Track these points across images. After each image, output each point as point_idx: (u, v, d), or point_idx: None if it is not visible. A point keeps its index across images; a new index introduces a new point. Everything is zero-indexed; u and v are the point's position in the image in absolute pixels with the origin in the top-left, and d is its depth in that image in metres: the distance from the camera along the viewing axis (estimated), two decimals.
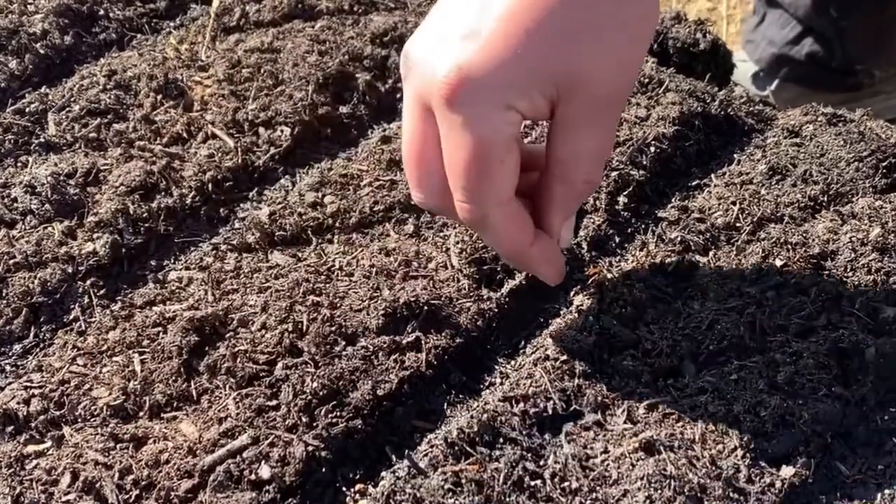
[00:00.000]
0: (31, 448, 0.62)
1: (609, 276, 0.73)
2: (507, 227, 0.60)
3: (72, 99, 0.89)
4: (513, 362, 0.68)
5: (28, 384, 0.65)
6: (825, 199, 0.79)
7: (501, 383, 0.66)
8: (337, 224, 0.77)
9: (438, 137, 0.57)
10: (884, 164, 0.81)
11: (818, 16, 1.43)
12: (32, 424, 0.63)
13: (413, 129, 0.59)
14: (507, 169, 0.57)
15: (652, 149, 0.84)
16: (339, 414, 0.61)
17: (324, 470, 0.59)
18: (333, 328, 0.66)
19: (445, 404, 0.65)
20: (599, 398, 0.62)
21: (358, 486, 0.60)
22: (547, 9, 0.54)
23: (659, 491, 0.55)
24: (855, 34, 1.45)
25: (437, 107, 0.56)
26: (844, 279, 0.70)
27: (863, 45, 1.47)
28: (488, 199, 0.57)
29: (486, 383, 0.67)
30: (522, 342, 0.70)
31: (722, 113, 0.91)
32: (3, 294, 0.71)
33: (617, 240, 0.78)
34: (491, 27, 0.54)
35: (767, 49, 1.50)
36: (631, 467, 0.57)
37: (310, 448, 0.59)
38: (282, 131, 0.86)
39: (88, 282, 0.73)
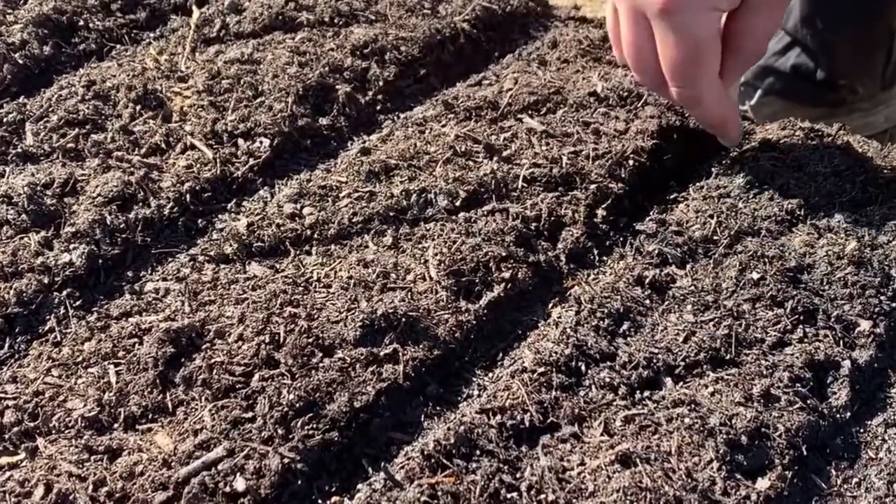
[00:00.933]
0: (4, 460, 0.61)
1: (587, 288, 0.73)
2: (719, 98, 0.78)
3: (50, 109, 0.88)
4: (490, 374, 0.68)
5: (2, 395, 0.65)
6: (802, 212, 0.79)
7: (479, 395, 0.66)
8: (315, 235, 0.76)
9: (652, 37, 0.75)
10: (860, 178, 0.82)
11: (805, 28, 1.44)
12: (6, 436, 0.62)
13: (631, 32, 0.76)
14: (715, 56, 0.75)
15: (630, 162, 0.84)
16: (315, 426, 0.61)
17: (300, 482, 0.59)
18: (310, 340, 0.66)
19: (422, 416, 0.65)
20: (576, 411, 0.62)
21: (334, 499, 0.59)
22: None
23: (635, 503, 0.56)
24: (841, 48, 1.46)
25: (655, 15, 0.73)
26: (820, 292, 0.71)
27: (848, 60, 1.48)
28: (702, 83, 0.76)
29: (464, 395, 0.67)
30: (500, 354, 0.70)
31: (700, 127, 0.91)
32: None
33: (595, 252, 0.78)
34: None
35: None
36: (607, 480, 0.57)
37: (286, 460, 0.59)
38: (261, 142, 0.86)
39: (64, 293, 0.72)
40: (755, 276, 0.71)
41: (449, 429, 0.60)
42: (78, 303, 0.72)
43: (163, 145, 0.85)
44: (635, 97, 0.92)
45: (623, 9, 0.76)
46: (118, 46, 1.01)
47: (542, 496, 0.57)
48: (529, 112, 0.90)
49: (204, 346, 0.67)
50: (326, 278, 0.72)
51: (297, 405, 0.62)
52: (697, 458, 0.58)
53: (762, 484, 0.58)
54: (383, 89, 0.96)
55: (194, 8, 1.05)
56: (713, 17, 0.73)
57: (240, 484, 0.58)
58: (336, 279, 0.72)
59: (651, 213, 0.82)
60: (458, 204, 0.79)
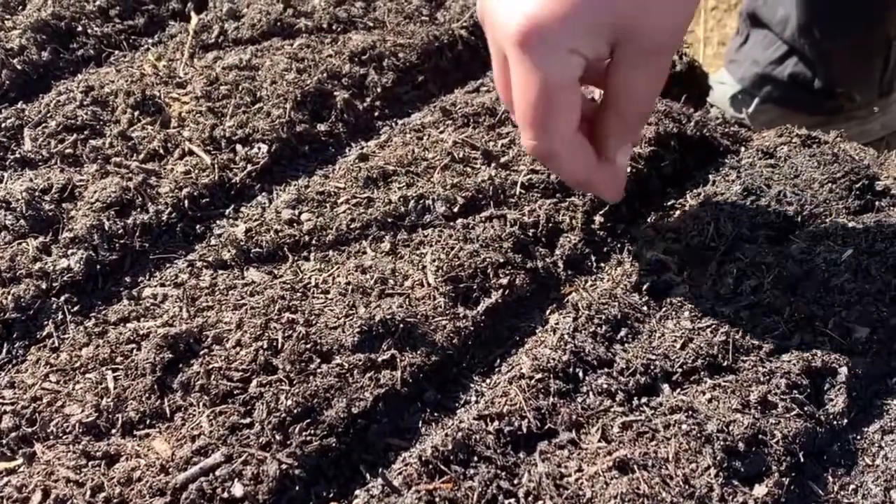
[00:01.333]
0: (2, 465, 0.61)
1: (585, 294, 0.73)
2: (574, 158, 0.68)
3: (48, 115, 0.88)
4: (488, 381, 0.68)
5: (0, 400, 0.65)
6: (799, 219, 0.79)
7: (476, 401, 0.66)
8: (313, 241, 0.77)
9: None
10: (857, 185, 0.82)
11: (802, 37, 1.45)
12: (4, 441, 0.62)
13: (495, 71, 0.69)
14: (572, 106, 0.64)
15: (628, 168, 0.84)
16: (313, 432, 0.61)
17: (297, 488, 0.59)
18: (308, 346, 0.66)
19: (420, 422, 0.65)
20: (574, 417, 0.62)
21: None
22: None
23: None
24: (838, 57, 1.47)
25: (509, 52, 0.63)
26: (818, 299, 0.71)
27: (845, 68, 1.49)
28: (555, 134, 0.65)
29: (462, 401, 0.67)
30: (498, 360, 0.70)
31: (697, 134, 0.91)
32: None
33: (593, 259, 0.78)
34: None
35: (751, 68, 1.51)
36: (605, 486, 0.57)
37: (283, 466, 0.59)
38: (259, 148, 0.86)
39: (62, 298, 0.72)
40: (752, 282, 0.72)
41: (447, 435, 0.60)
42: (76, 308, 0.72)
43: (161, 151, 0.85)
44: None
45: (490, 46, 0.69)
46: (116, 52, 1.01)
47: (540, 502, 0.57)
48: None
49: (202, 352, 0.67)
50: (324, 284, 0.72)
51: (295, 411, 0.62)
52: (695, 464, 0.58)
53: (759, 491, 0.58)
54: (381, 96, 0.96)
55: (192, 14, 1.05)
56: (572, 60, 0.62)
57: (237, 490, 0.58)
58: (334, 285, 0.72)
59: (648, 220, 0.82)
60: (455, 210, 0.79)
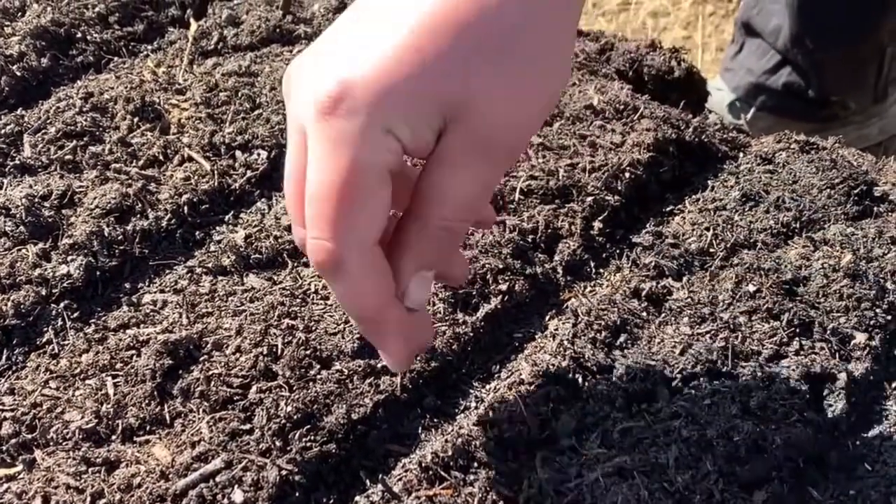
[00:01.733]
0: (1, 472, 0.61)
1: (584, 300, 0.73)
2: (366, 276, 0.50)
3: (48, 121, 0.88)
4: (488, 386, 0.68)
5: (0, 407, 0.65)
6: (797, 225, 0.79)
7: (476, 407, 0.66)
8: None
9: (305, 158, 0.50)
10: (855, 191, 0.82)
11: (795, 47, 1.45)
12: (3, 448, 0.62)
13: (292, 155, 0.52)
14: (378, 204, 0.49)
15: (627, 174, 0.85)
16: (312, 438, 0.61)
17: (297, 494, 0.59)
18: (308, 352, 0.66)
19: (420, 428, 0.65)
20: (574, 423, 0.62)
21: None
22: (449, 31, 0.48)
23: None
24: (831, 66, 1.48)
25: (310, 125, 0.49)
26: (816, 305, 0.71)
27: (839, 77, 1.49)
28: (350, 238, 0.49)
29: (461, 407, 0.67)
30: (497, 366, 0.70)
31: (696, 140, 0.92)
32: None
33: (592, 264, 0.79)
34: (382, 45, 0.48)
35: (745, 78, 1.52)
36: (605, 492, 0.57)
37: (283, 472, 0.59)
38: (258, 154, 0.86)
39: (62, 304, 0.72)
40: (751, 288, 0.72)
41: (446, 441, 0.60)
42: (76, 315, 0.72)
43: (161, 157, 0.85)
44: (632, 110, 0.93)
45: (288, 126, 0.53)
46: (116, 59, 1.01)
47: None
48: None
49: (202, 358, 0.67)
50: (324, 290, 0.72)
51: (295, 417, 0.62)
52: (695, 470, 0.58)
53: (759, 496, 0.58)
54: None
55: (192, 21, 1.05)
56: (386, 142, 0.48)
57: (237, 496, 0.58)
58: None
59: (647, 226, 0.82)
60: None
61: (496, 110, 0.50)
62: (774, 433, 0.61)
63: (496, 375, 0.69)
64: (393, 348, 0.54)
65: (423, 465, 0.59)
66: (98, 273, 0.75)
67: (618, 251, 0.80)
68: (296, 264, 0.75)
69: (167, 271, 0.76)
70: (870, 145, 1.54)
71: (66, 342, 0.70)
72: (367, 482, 0.61)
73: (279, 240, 0.77)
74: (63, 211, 0.79)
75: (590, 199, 0.82)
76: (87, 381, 0.66)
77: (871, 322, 0.70)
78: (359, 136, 0.47)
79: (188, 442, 0.61)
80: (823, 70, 1.46)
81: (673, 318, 0.70)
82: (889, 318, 0.71)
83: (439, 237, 0.52)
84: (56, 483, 0.59)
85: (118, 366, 0.67)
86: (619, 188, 0.84)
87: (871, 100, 1.56)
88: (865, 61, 1.51)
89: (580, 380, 0.65)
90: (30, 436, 0.63)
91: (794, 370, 0.66)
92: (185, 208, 0.81)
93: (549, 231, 0.79)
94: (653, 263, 0.75)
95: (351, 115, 0.47)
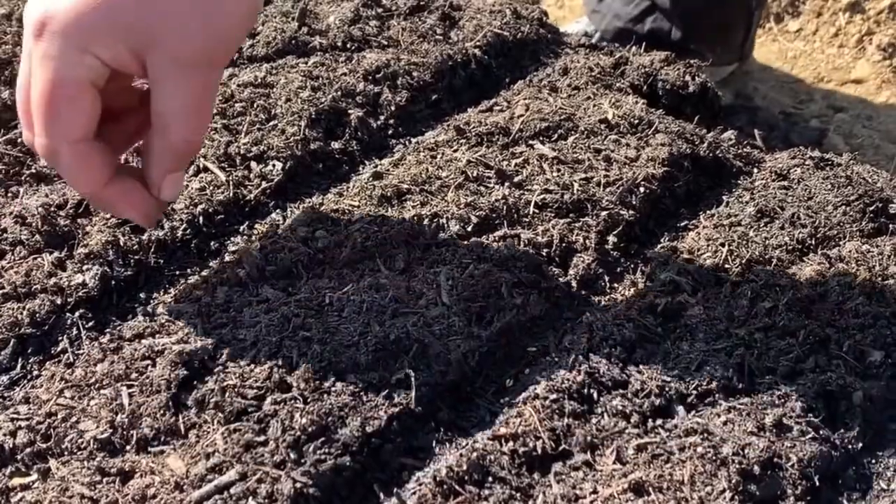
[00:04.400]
0: (16, 481, 0.61)
1: (599, 315, 0.73)
2: (78, 166, 0.64)
3: None
4: (502, 401, 0.68)
5: (15, 416, 0.65)
6: (813, 242, 0.79)
7: (490, 422, 0.66)
8: (328, 259, 0.77)
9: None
10: (871, 208, 0.82)
11: None
12: (18, 457, 0.62)
13: (23, 68, 0.63)
14: (79, 108, 0.61)
15: (641, 189, 0.85)
16: (327, 450, 0.61)
17: None
18: (323, 364, 0.66)
19: (434, 442, 0.65)
20: (588, 438, 0.62)
21: None
22: None
23: None
24: (697, 17, 1.50)
25: (27, 44, 0.61)
26: (832, 322, 0.71)
27: (704, 30, 1.52)
28: (58, 135, 0.62)
29: (475, 421, 0.67)
30: (512, 381, 0.70)
31: (710, 155, 0.92)
32: None
33: (606, 279, 0.79)
34: None
35: (613, 22, 1.55)
36: None
37: (297, 485, 0.59)
38: (273, 165, 0.86)
39: (77, 313, 0.72)
40: (767, 305, 0.72)
41: (461, 455, 0.60)
42: (91, 324, 0.72)
43: None
44: (646, 125, 0.93)
45: (24, 45, 0.63)
46: None
47: None
48: (541, 138, 0.91)
49: (216, 369, 0.67)
50: (339, 302, 0.72)
51: (310, 429, 0.62)
52: (710, 487, 0.58)
53: None
54: (395, 114, 0.96)
55: None
56: (84, 60, 0.60)
57: None
58: (348, 303, 0.72)
59: (662, 241, 0.82)
60: (469, 229, 0.79)
61: (188, 32, 0.61)
62: (790, 451, 0.61)
63: (510, 389, 0.69)
64: (126, 214, 0.69)
65: (438, 478, 0.59)
66: (113, 283, 0.75)
67: (632, 266, 0.80)
68: (310, 276, 0.75)
69: (182, 281, 0.76)
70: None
71: (82, 351, 0.70)
72: (381, 495, 0.61)
73: (294, 251, 0.77)
74: (79, 220, 0.80)
75: (604, 213, 0.82)
76: (102, 391, 0.66)
77: (888, 340, 0.70)
78: (57, 55, 0.60)
79: (203, 453, 0.61)
80: (690, 19, 1.49)
81: (688, 334, 0.70)
82: None
83: (180, 148, 0.65)
84: (70, 493, 0.59)
85: (133, 376, 0.67)
86: (634, 203, 0.84)
87: (735, 57, 1.61)
88: (734, 21, 1.55)
89: (595, 395, 0.65)
90: (44, 445, 0.63)
91: (809, 388, 0.65)
92: (201, 219, 0.81)
93: (564, 245, 0.79)
94: (668, 279, 0.75)
95: (52, 38, 0.60)
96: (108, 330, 0.72)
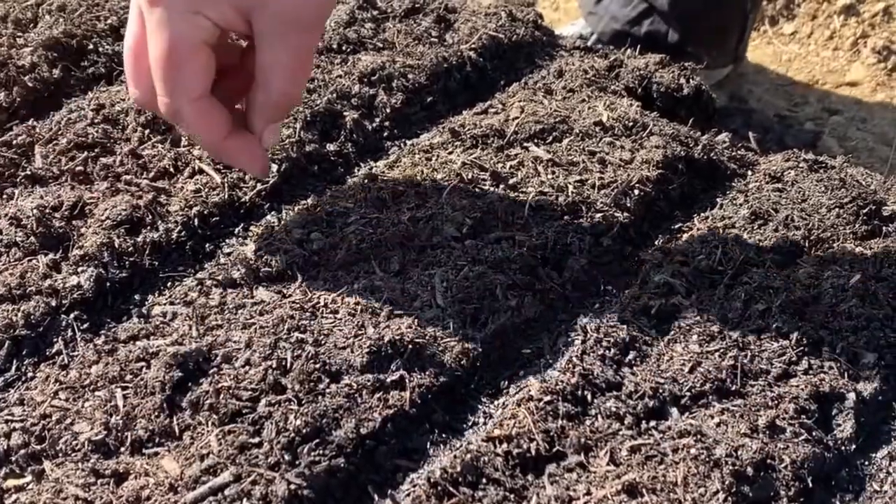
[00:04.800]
0: (10, 482, 0.61)
1: (593, 317, 0.73)
2: (199, 121, 0.69)
3: (59, 132, 0.89)
4: (496, 402, 0.68)
5: (9, 418, 0.65)
6: (806, 244, 0.79)
7: (485, 423, 0.66)
8: (322, 261, 0.77)
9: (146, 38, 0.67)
10: (864, 210, 0.82)
11: None
12: (13, 458, 0.62)
13: (131, 30, 0.69)
14: (196, 67, 0.67)
15: (636, 191, 0.85)
16: (321, 452, 0.61)
17: None
18: (317, 365, 0.66)
19: (428, 444, 0.65)
20: (582, 440, 0.62)
21: None
22: None
23: None
24: (694, 21, 1.50)
25: (143, 9, 0.66)
26: (825, 324, 0.71)
27: (701, 33, 1.52)
28: (179, 94, 0.67)
29: (470, 423, 0.67)
30: (506, 382, 0.70)
31: (705, 157, 0.92)
32: None
33: (601, 281, 0.79)
34: None
35: (610, 24, 1.55)
36: None
37: (292, 486, 0.59)
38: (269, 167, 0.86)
39: (72, 315, 0.72)
40: (760, 307, 0.72)
41: (455, 457, 0.60)
42: (85, 326, 0.72)
43: (171, 169, 0.86)
44: (641, 127, 0.93)
45: (131, 9, 0.70)
46: None
47: None
48: (535, 140, 0.91)
49: (211, 371, 0.67)
50: (333, 304, 0.72)
51: (304, 431, 0.62)
52: (703, 489, 0.59)
53: None
54: (390, 116, 0.96)
55: None
56: (197, 21, 0.66)
57: None
58: (343, 305, 0.72)
59: (656, 243, 0.82)
60: (464, 231, 0.79)
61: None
62: (783, 452, 0.61)
63: (505, 391, 0.69)
64: (243, 165, 0.76)
65: (432, 480, 0.59)
66: (108, 284, 0.75)
67: (626, 268, 0.80)
68: (305, 277, 0.75)
69: (177, 283, 0.76)
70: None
71: (76, 353, 0.70)
72: (376, 497, 0.61)
73: (289, 253, 0.77)
74: (74, 222, 0.80)
75: (599, 215, 0.82)
76: (97, 393, 0.66)
77: (881, 342, 0.70)
78: (172, 19, 0.65)
79: (197, 455, 0.61)
80: (687, 22, 1.49)
81: (682, 336, 0.70)
82: None
83: (279, 102, 0.71)
84: (65, 494, 0.59)
85: (128, 377, 0.67)
86: (628, 205, 0.84)
87: (730, 60, 1.62)
88: (730, 24, 1.56)
89: (589, 396, 0.65)
90: (39, 447, 0.63)
91: (803, 389, 0.66)
92: (196, 220, 0.81)
93: (559, 247, 0.79)
94: (662, 281, 0.76)
95: (166, 4, 0.65)
96: (102, 332, 0.72)
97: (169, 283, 0.77)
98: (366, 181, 0.86)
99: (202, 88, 0.68)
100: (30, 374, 0.69)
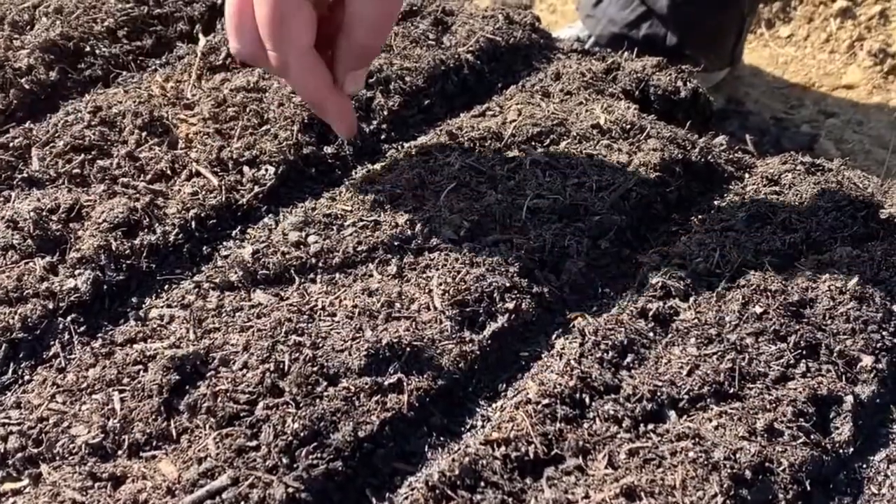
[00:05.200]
0: (7, 486, 0.61)
1: (591, 320, 0.73)
2: (305, 75, 0.75)
3: (56, 134, 0.89)
4: (494, 405, 0.68)
5: (6, 421, 0.65)
6: (804, 247, 0.80)
7: (483, 426, 0.66)
8: (320, 263, 0.77)
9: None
10: (861, 213, 0.82)
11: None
12: (10, 462, 0.62)
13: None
14: (301, 20, 0.72)
15: (633, 194, 0.85)
16: (319, 455, 0.61)
17: None
18: (315, 368, 0.66)
19: (426, 447, 0.65)
20: (580, 443, 0.62)
21: None
22: None
23: None
24: (696, 24, 1.51)
25: None
26: (823, 327, 0.71)
27: (699, 36, 1.53)
28: (287, 47, 0.73)
29: (468, 426, 0.67)
30: (504, 385, 0.70)
31: (702, 160, 0.92)
32: None
33: (598, 284, 0.79)
34: None
35: (608, 27, 1.55)
36: None
37: (290, 490, 0.59)
38: (266, 170, 0.86)
39: (69, 318, 0.72)
40: (758, 310, 0.72)
41: (453, 460, 0.60)
42: (82, 328, 0.72)
43: (168, 172, 0.86)
44: (638, 130, 0.93)
45: None
46: (124, 73, 1.02)
47: None
48: (533, 143, 0.91)
49: (208, 374, 0.67)
50: (331, 307, 0.72)
51: (302, 434, 0.62)
52: (702, 492, 0.58)
53: None
54: (388, 119, 0.96)
55: (200, 36, 1.05)
56: None
57: None
58: (341, 308, 0.72)
59: (654, 246, 0.82)
60: (462, 234, 0.79)
61: None
62: (781, 455, 0.61)
63: (503, 394, 0.69)
64: (336, 122, 0.82)
65: (430, 483, 0.59)
66: (105, 287, 0.75)
67: (624, 271, 0.80)
68: (303, 280, 0.75)
69: (174, 286, 0.76)
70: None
71: (73, 356, 0.70)
72: (374, 500, 0.61)
73: (286, 255, 0.77)
74: (71, 224, 0.79)
75: (596, 218, 0.82)
76: (94, 396, 0.66)
77: (878, 345, 0.70)
78: None
79: (195, 458, 0.61)
80: (686, 25, 1.49)
81: (680, 339, 0.70)
82: (895, 341, 0.71)
83: (361, 53, 0.77)
84: (62, 498, 0.59)
85: (125, 380, 0.67)
86: (626, 208, 0.84)
87: (726, 63, 1.63)
88: (727, 27, 1.56)
89: (587, 399, 0.65)
90: (36, 450, 0.63)
91: (800, 392, 0.66)
92: (193, 223, 0.81)
93: (556, 250, 0.79)
94: (659, 284, 0.76)
95: None
96: (99, 335, 0.72)
97: (166, 286, 0.77)
98: (363, 184, 0.86)
99: (307, 42, 0.74)
100: (27, 377, 0.69)
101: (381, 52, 0.89)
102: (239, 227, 0.82)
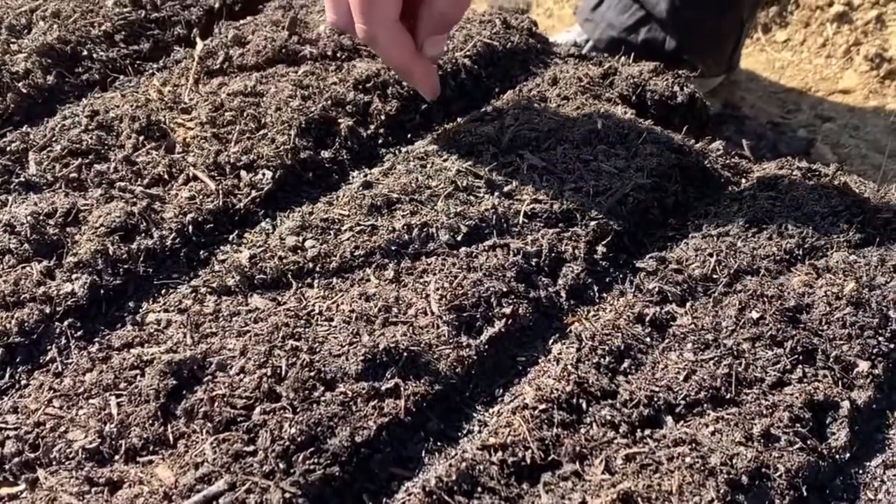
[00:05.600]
0: (4, 491, 0.61)
1: (587, 325, 0.73)
2: (392, 44, 0.83)
3: (53, 139, 0.89)
4: (491, 410, 0.68)
5: (3, 425, 0.65)
6: (801, 252, 0.80)
7: (480, 431, 0.66)
8: (317, 268, 0.77)
9: None
10: (858, 218, 0.83)
11: (664, 2, 1.49)
12: (6, 466, 0.62)
13: None
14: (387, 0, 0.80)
15: (630, 199, 0.85)
16: (316, 460, 0.61)
17: None
18: (312, 373, 0.66)
19: (423, 452, 0.65)
20: (577, 448, 0.62)
21: None
22: None
23: None
24: (695, 30, 1.51)
25: None
26: (819, 332, 0.71)
27: (698, 41, 1.53)
28: (376, 20, 0.80)
29: (465, 431, 0.67)
30: (501, 390, 0.70)
31: (699, 165, 0.92)
32: None
33: (595, 289, 0.79)
34: None
35: (607, 31, 1.55)
36: None
37: (287, 495, 0.59)
38: (263, 174, 0.86)
39: (66, 323, 0.72)
40: (755, 315, 0.72)
41: (450, 465, 0.60)
42: (79, 333, 0.72)
43: (165, 176, 0.86)
44: (635, 135, 0.93)
45: None
46: (122, 77, 1.02)
47: None
48: (530, 148, 0.91)
49: (205, 379, 0.67)
50: (328, 311, 0.72)
51: (299, 439, 0.62)
52: (698, 497, 0.59)
53: None
54: (385, 123, 0.96)
55: (198, 40, 1.05)
56: None
57: None
58: (338, 313, 0.72)
59: (651, 251, 0.82)
60: (459, 239, 0.79)
61: None
62: (777, 461, 0.61)
63: (500, 399, 0.69)
64: (421, 85, 0.89)
65: (427, 489, 0.59)
66: (102, 292, 0.75)
67: (621, 276, 0.80)
68: (300, 285, 0.75)
69: (171, 290, 0.76)
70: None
71: (70, 361, 0.70)
72: None
73: (284, 260, 0.77)
74: (68, 229, 0.79)
75: (593, 223, 0.82)
76: (91, 401, 0.66)
77: (874, 350, 0.70)
78: None
79: (191, 463, 0.61)
80: (685, 30, 1.50)
81: (676, 344, 0.70)
82: (892, 346, 0.71)
83: (441, 21, 0.84)
84: (59, 503, 0.59)
85: (122, 385, 0.67)
86: (623, 213, 0.84)
87: (724, 69, 1.63)
88: (726, 33, 1.56)
89: (584, 404, 0.65)
90: (33, 455, 0.63)
91: (797, 398, 0.66)
92: (190, 227, 0.81)
93: (553, 255, 0.79)
94: (656, 289, 0.76)
95: None
96: (96, 339, 0.72)
97: (163, 291, 0.77)
98: (360, 188, 0.86)
99: (394, 13, 0.81)
100: (23, 382, 0.69)
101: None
102: (236, 232, 0.82)
